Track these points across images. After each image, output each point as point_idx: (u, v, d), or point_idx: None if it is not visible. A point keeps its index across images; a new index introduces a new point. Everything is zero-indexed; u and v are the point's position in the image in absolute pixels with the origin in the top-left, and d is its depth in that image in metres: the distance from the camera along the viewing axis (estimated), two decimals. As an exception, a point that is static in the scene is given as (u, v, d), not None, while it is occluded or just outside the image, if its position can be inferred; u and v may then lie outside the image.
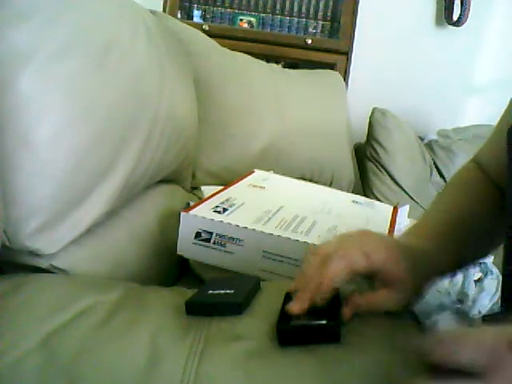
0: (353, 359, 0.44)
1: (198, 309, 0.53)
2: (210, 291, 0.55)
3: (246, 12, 1.88)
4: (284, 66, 1.83)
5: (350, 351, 0.45)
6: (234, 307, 0.52)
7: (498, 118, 0.71)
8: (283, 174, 1.08)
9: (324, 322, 0.45)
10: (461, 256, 0.58)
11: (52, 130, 0.56)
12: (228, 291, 0.54)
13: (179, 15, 1.85)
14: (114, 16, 0.72)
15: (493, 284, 0.90)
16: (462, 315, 0.72)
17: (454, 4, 1.85)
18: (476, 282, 0.88)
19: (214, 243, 0.72)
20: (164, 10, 1.80)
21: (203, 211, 0.74)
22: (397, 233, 0.89)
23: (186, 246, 0.74)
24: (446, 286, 0.83)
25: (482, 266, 0.92)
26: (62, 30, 0.58)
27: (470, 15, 1.84)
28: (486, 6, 1.91)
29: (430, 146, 1.70)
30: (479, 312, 0.87)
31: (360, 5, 1.83)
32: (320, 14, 1.87)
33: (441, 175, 1.65)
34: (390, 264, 0.48)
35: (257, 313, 0.52)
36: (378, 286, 0.50)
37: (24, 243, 0.56)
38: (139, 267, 0.77)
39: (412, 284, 0.50)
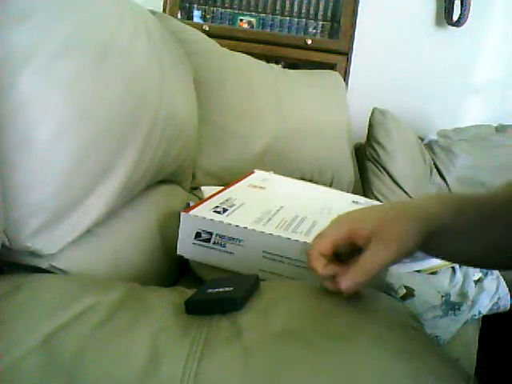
0: (355, 359, 0.44)
1: (197, 307, 0.53)
2: (209, 290, 0.55)
3: (245, 12, 1.88)
4: (284, 67, 1.83)
5: (352, 350, 0.45)
6: (233, 303, 0.52)
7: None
8: (283, 175, 1.08)
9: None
10: (463, 221, 0.54)
11: (52, 130, 0.56)
12: (227, 289, 0.54)
13: (179, 15, 1.85)
14: (114, 16, 0.72)
15: (493, 284, 0.90)
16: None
17: (454, 4, 1.85)
18: (476, 282, 0.89)
19: (214, 243, 0.72)
20: (164, 11, 1.80)
21: (203, 211, 0.74)
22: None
23: (186, 246, 0.74)
24: (446, 287, 0.83)
25: (482, 266, 0.92)
26: (62, 29, 0.58)
27: (470, 15, 1.84)
28: (486, 6, 1.91)
29: (430, 146, 1.70)
30: (479, 312, 0.87)
31: (360, 5, 1.83)
32: (320, 14, 1.87)
33: (441, 175, 1.65)
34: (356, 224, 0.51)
35: (256, 309, 0.52)
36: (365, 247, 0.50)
37: (24, 243, 0.56)
38: (139, 267, 0.77)
39: (395, 235, 0.49)
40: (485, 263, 0.63)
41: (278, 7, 1.87)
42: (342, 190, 1.29)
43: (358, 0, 1.81)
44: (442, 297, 0.81)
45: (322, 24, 1.88)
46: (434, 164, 1.66)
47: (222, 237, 0.72)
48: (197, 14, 1.89)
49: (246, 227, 0.71)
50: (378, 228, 0.50)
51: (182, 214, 0.73)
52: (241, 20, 1.88)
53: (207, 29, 1.75)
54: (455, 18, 1.86)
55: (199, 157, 1.20)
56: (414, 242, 0.50)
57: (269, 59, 1.71)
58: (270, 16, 1.87)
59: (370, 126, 1.60)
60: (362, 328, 0.49)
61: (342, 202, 0.95)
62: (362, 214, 0.53)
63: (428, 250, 0.55)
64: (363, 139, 1.66)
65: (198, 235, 0.73)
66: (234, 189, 0.89)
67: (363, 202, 0.98)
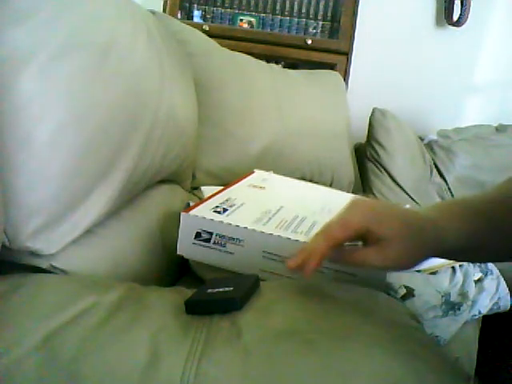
0: (355, 359, 0.44)
1: (197, 307, 0.53)
2: (209, 290, 0.55)
3: (246, 12, 1.88)
4: (284, 66, 1.83)
5: (352, 350, 0.45)
6: (233, 303, 0.52)
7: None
8: (283, 175, 1.08)
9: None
10: (469, 235, 0.54)
11: (52, 130, 0.56)
12: (227, 289, 0.54)
13: (179, 15, 1.85)
14: (113, 16, 0.72)
15: (493, 284, 0.90)
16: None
17: (454, 4, 1.85)
18: (476, 282, 0.89)
19: (214, 243, 0.72)
20: (164, 10, 1.80)
21: (203, 211, 0.74)
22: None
23: (186, 246, 0.74)
24: (446, 287, 0.83)
25: (482, 266, 0.92)
26: (62, 30, 0.58)
27: (469, 15, 1.84)
28: (486, 6, 1.91)
29: (429, 146, 1.70)
30: (479, 312, 0.87)
31: (360, 5, 1.83)
32: (320, 14, 1.87)
33: (441, 175, 1.65)
34: (375, 222, 0.51)
35: (256, 309, 0.52)
36: (369, 243, 0.51)
37: (24, 243, 0.56)
38: (139, 267, 0.77)
39: (403, 245, 0.50)
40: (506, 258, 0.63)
41: (278, 7, 1.87)
42: (342, 189, 1.29)
43: (358, 0, 1.81)
44: (442, 297, 0.81)
45: (322, 24, 1.88)
46: (434, 164, 1.66)
47: (222, 237, 0.72)
48: (197, 14, 1.89)
49: (246, 227, 0.71)
50: (390, 237, 0.50)
51: (182, 214, 0.73)
52: (241, 20, 1.88)
53: (207, 29, 1.75)
54: (455, 17, 1.86)
55: (199, 157, 1.20)
56: (412, 265, 0.52)
57: (269, 59, 1.71)
58: (270, 16, 1.87)
59: (370, 125, 1.60)
60: (361, 328, 0.49)
61: (342, 202, 0.95)
62: (384, 212, 0.52)
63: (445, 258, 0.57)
64: (363, 139, 1.66)
65: (197, 235, 0.73)
66: (234, 189, 0.89)
67: (363, 201, 0.98)
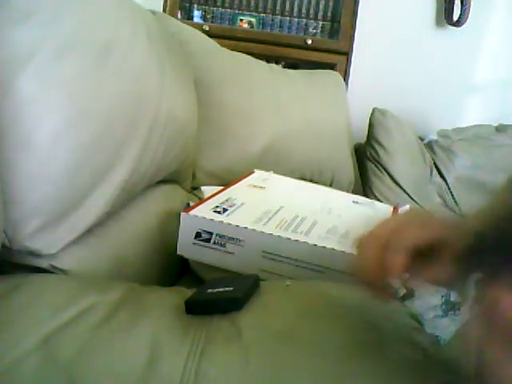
0: (355, 359, 0.44)
1: (197, 307, 0.53)
2: (209, 290, 0.55)
3: (246, 12, 1.88)
4: (284, 66, 1.83)
5: (352, 350, 0.45)
6: (233, 303, 0.52)
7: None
8: (283, 174, 1.08)
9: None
10: None
11: (52, 131, 0.56)
12: (227, 289, 0.54)
13: (179, 15, 1.85)
14: (113, 16, 0.72)
15: (493, 284, 0.90)
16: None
17: (454, 4, 1.85)
18: (476, 282, 0.88)
19: (214, 243, 0.72)
20: (164, 10, 1.80)
21: (203, 211, 0.74)
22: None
23: (186, 246, 0.74)
24: (446, 286, 0.83)
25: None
26: (62, 30, 0.58)
27: (470, 15, 1.84)
28: (486, 6, 1.91)
29: (430, 146, 1.70)
30: (479, 312, 0.87)
31: (360, 5, 1.83)
32: (320, 14, 1.87)
33: (441, 175, 1.65)
34: (447, 232, 0.45)
35: (256, 309, 0.52)
36: (434, 260, 0.45)
37: (24, 243, 0.56)
38: (139, 267, 0.77)
39: None
40: None
41: (278, 7, 1.87)
42: (342, 189, 1.29)
43: (358, 0, 1.81)
44: (442, 297, 0.81)
45: (322, 24, 1.88)
46: (434, 164, 1.66)
47: (221, 237, 0.72)
48: (197, 14, 1.89)
49: (245, 227, 0.71)
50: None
51: (182, 214, 0.73)
52: (241, 20, 1.88)
53: (207, 29, 1.75)
54: (455, 18, 1.86)
55: (199, 157, 1.20)
56: None
57: (269, 59, 1.71)
58: (270, 16, 1.87)
59: (370, 125, 1.60)
60: (361, 328, 0.49)
61: (342, 202, 0.95)
62: (455, 228, 0.47)
63: None
64: (363, 139, 1.66)
65: (198, 235, 0.73)
66: (234, 189, 0.89)
67: (363, 202, 0.98)
